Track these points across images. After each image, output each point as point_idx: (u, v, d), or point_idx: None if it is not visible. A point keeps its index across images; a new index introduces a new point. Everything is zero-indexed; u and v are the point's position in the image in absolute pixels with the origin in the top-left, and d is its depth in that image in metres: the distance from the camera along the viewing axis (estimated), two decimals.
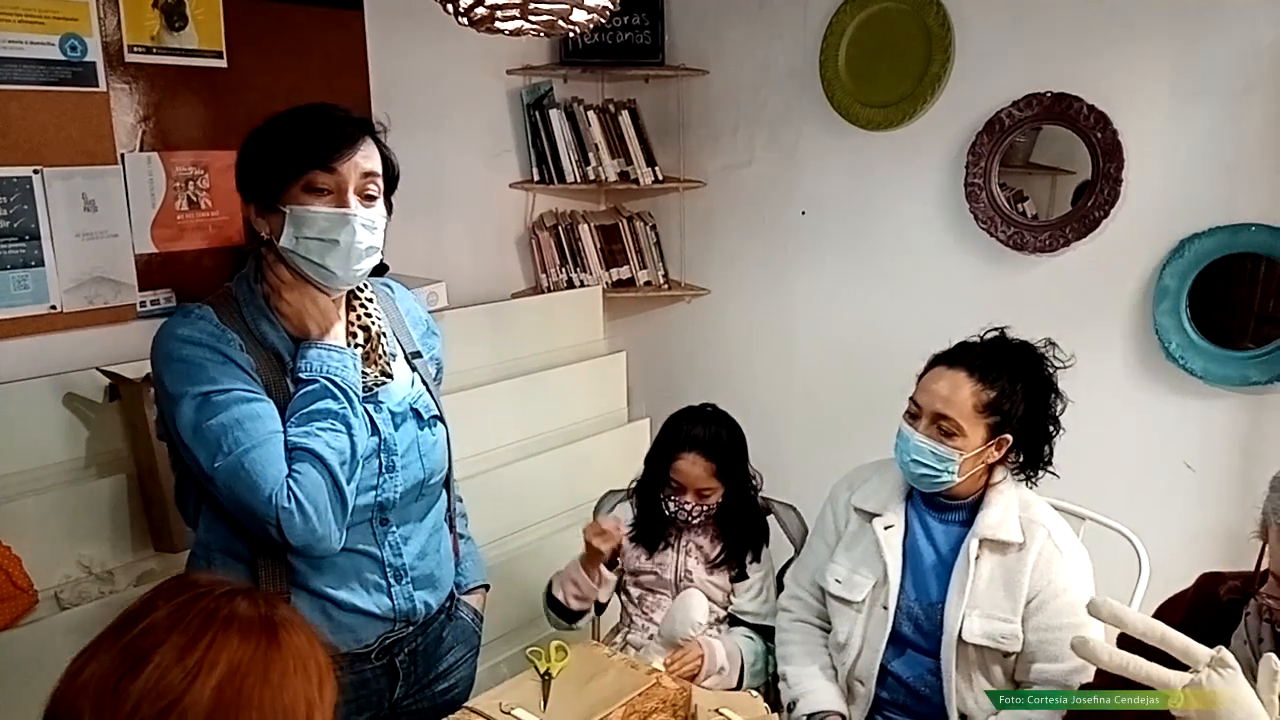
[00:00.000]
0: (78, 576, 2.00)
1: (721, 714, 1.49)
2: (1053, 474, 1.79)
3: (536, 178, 3.21)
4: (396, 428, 1.47)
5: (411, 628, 1.53)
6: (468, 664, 1.68)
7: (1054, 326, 2.65)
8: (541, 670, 1.63)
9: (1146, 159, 2.47)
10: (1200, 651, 1.12)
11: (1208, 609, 1.37)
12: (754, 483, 2.08)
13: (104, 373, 2.09)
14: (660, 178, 3.27)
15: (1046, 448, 1.76)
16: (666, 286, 3.40)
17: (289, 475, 1.29)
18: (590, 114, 3.19)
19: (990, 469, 1.75)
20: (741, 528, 2.03)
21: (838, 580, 1.80)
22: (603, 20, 1.64)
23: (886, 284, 2.98)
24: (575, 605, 1.95)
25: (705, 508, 1.99)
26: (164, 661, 0.78)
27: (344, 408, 1.34)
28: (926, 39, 2.76)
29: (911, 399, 1.75)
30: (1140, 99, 2.46)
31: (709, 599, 2.00)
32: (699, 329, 3.44)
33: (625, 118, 3.23)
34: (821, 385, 3.17)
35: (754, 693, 1.63)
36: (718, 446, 1.99)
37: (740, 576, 2.02)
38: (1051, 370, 1.76)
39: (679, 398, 2.25)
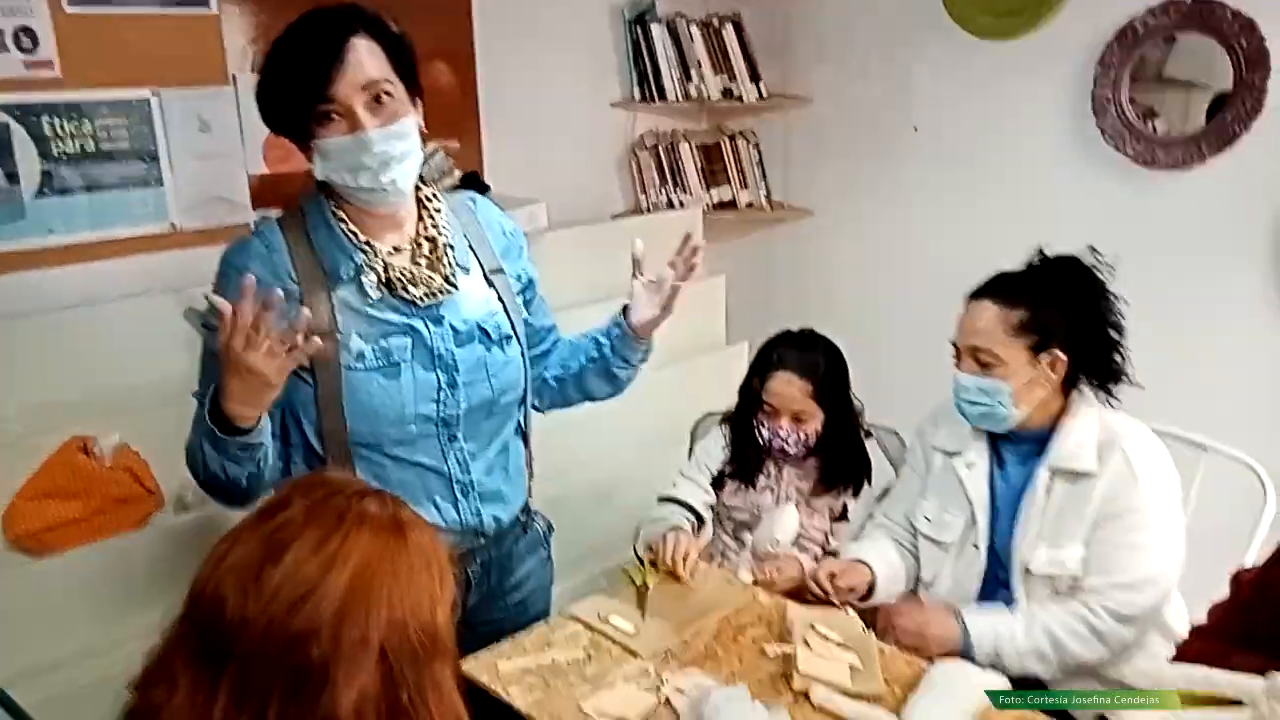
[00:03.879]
0: None
1: (816, 630, 1.48)
2: (1137, 385, 1.69)
3: (638, 96, 3.16)
4: (460, 344, 1.45)
5: (482, 540, 1.54)
6: (539, 574, 1.68)
7: (1183, 247, 2.53)
8: (638, 583, 1.64)
9: None
10: (1252, 685, 1.09)
11: None
12: (857, 413, 1.98)
13: None
14: (764, 94, 3.18)
15: (1116, 356, 1.67)
16: (769, 208, 3.32)
17: None
18: (693, 28, 3.11)
19: (1067, 396, 1.67)
20: (842, 458, 1.94)
21: (927, 518, 1.76)
22: None
23: (1004, 204, 2.84)
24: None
25: (802, 435, 1.89)
26: (301, 553, 0.83)
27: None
28: None
29: (952, 341, 1.71)
30: None
31: (807, 537, 1.93)
32: (802, 251, 3.37)
33: (729, 31, 3.14)
34: (931, 310, 3.05)
35: (850, 610, 1.61)
36: (813, 367, 1.90)
37: (842, 517, 1.96)
38: (1104, 276, 1.66)
39: (779, 322, 2.19)
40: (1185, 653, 1.44)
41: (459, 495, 1.49)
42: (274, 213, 2.42)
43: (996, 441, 1.74)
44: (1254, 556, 1.77)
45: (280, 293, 1.20)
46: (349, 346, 1.38)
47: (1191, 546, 1.89)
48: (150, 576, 1.82)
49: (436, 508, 1.47)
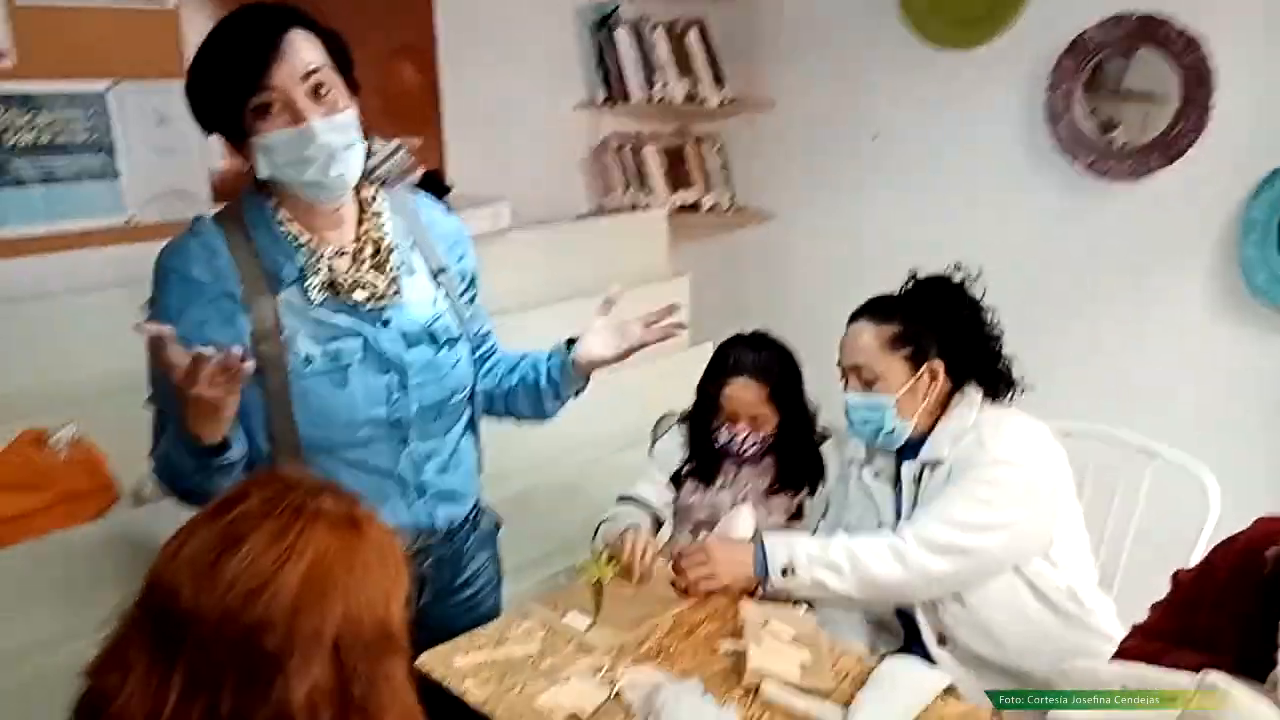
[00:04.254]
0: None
1: (769, 627, 1.50)
2: (1027, 387, 1.74)
3: (602, 98, 3.17)
4: (409, 347, 1.44)
5: (435, 537, 1.54)
6: (489, 570, 1.69)
7: (1133, 257, 2.60)
8: (594, 578, 1.65)
9: (1238, 86, 2.36)
10: (1185, 684, 1.15)
11: (1255, 569, 1.32)
12: (812, 415, 2.01)
13: None
14: (728, 99, 3.20)
15: (999, 363, 1.73)
16: (732, 211, 3.35)
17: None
18: (657, 32, 3.12)
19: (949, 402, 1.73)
20: (798, 459, 1.97)
21: (847, 527, 1.79)
22: None
23: (959, 212, 2.89)
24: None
25: (759, 438, 1.93)
26: (257, 546, 0.84)
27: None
28: None
29: (837, 364, 1.78)
30: (1235, 22, 2.33)
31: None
32: (765, 254, 3.40)
33: (693, 36, 3.16)
34: None
35: (805, 607, 1.63)
36: (768, 371, 1.93)
37: (797, 516, 1.98)
38: (969, 288, 1.74)
39: (743, 323, 2.22)
40: (1125, 651, 1.48)
41: (413, 497, 1.49)
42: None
43: (901, 451, 1.78)
44: (1197, 559, 1.82)
45: (210, 350, 1.16)
46: (296, 350, 1.37)
47: (1139, 549, 1.96)
48: (107, 570, 1.79)
49: (390, 510, 1.45)
